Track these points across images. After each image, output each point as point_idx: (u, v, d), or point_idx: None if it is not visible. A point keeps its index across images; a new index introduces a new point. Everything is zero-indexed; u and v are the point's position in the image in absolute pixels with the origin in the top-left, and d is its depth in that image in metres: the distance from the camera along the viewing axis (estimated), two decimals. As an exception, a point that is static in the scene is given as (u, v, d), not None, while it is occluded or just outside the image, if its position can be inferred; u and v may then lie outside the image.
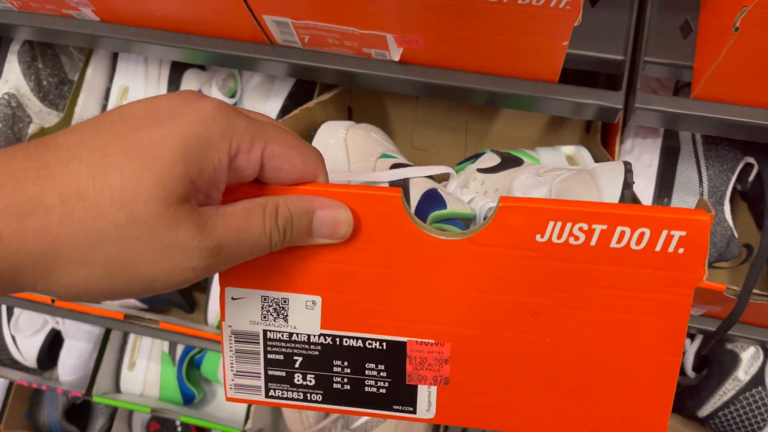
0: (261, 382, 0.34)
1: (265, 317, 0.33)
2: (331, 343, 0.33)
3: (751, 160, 0.55)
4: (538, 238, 0.28)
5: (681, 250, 0.28)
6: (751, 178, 0.56)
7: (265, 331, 0.33)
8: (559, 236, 0.28)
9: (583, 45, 0.48)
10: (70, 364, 0.95)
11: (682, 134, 0.57)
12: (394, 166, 0.46)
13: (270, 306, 0.32)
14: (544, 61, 0.45)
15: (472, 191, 0.48)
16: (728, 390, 0.68)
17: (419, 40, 0.45)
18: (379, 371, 0.33)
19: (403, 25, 0.44)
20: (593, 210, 0.27)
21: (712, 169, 0.55)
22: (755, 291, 0.50)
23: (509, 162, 0.51)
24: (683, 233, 0.27)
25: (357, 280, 0.31)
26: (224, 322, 0.33)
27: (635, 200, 0.43)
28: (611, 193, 0.38)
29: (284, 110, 0.61)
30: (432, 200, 0.43)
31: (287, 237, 0.27)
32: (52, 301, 0.77)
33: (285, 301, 0.32)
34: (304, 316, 0.32)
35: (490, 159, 0.51)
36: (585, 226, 0.28)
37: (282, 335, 0.33)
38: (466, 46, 0.45)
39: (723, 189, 0.54)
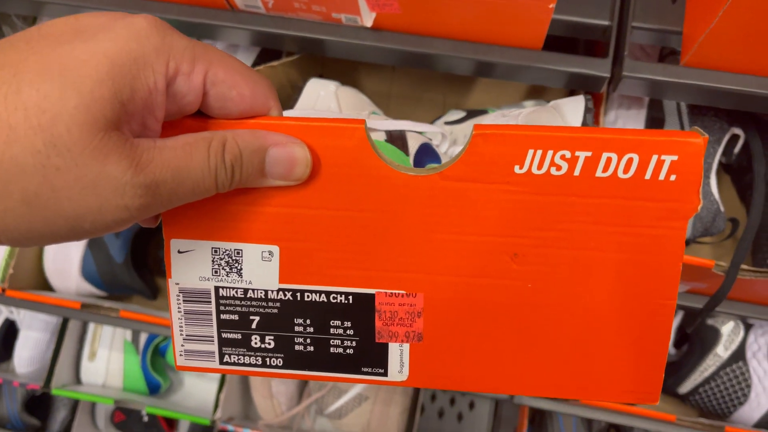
0: (214, 347, 0.30)
1: (216, 272, 0.29)
2: (291, 298, 0.29)
3: (737, 131, 0.53)
4: (516, 169, 0.25)
5: (673, 177, 0.25)
6: (736, 149, 0.54)
7: (217, 288, 0.29)
8: (540, 166, 0.25)
9: (567, 10, 0.45)
10: (26, 356, 0.91)
11: (666, 104, 0.54)
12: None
13: (221, 259, 0.28)
14: (529, 26, 0.42)
15: (459, 147, 0.47)
16: (709, 366, 0.67)
17: (394, 3, 0.42)
18: (345, 329, 0.29)
19: (377, -14, 0.40)
20: (576, 135, 0.24)
21: (698, 141, 0.52)
22: (743, 266, 0.48)
23: (474, 113, 0.51)
24: (675, 158, 0.24)
25: (318, 226, 0.27)
26: (170, 279, 0.29)
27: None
28: (574, 119, 0.39)
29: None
30: (428, 153, 0.42)
31: (236, 177, 0.24)
32: (3, 290, 0.72)
33: (238, 253, 0.28)
34: (261, 270, 0.28)
35: (456, 114, 0.52)
36: (567, 154, 0.25)
37: (236, 292, 0.29)
38: (445, 10, 0.42)
39: (709, 162, 0.52)
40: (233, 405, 0.88)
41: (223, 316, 0.29)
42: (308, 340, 0.29)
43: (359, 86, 0.67)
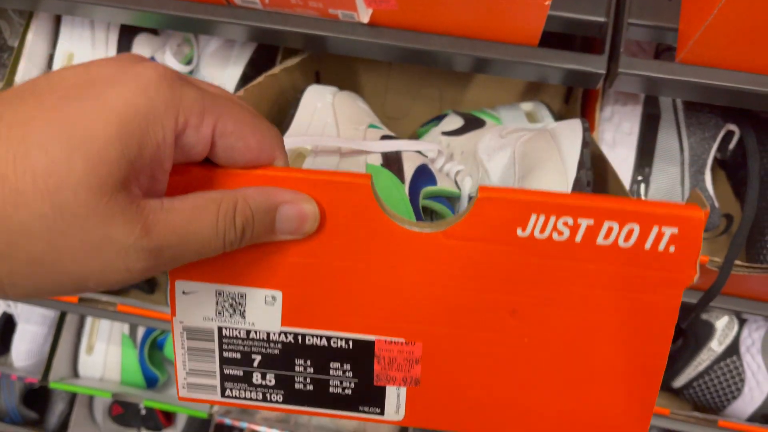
0: (216, 382, 0.31)
1: (220, 313, 0.29)
2: (292, 341, 0.30)
3: (732, 127, 0.53)
4: (519, 232, 0.26)
5: (672, 249, 0.25)
6: (731, 145, 0.55)
7: (220, 328, 0.30)
8: (542, 231, 0.26)
9: (563, 6, 0.45)
10: (24, 349, 0.91)
11: (662, 101, 0.55)
12: (384, 138, 0.43)
13: (225, 301, 0.29)
14: (525, 23, 0.42)
15: (456, 164, 0.46)
16: (703, 360, 0.67)
17: (391, 0, 0.42)
18: (344, 371, 0.30)
19: (374, -18, 0.40)
20: (579, 203, 0.25)
21: (693, 137, 0.53)
22: (737, 262, 0.48)
23: (472, 123, 0.50)
24: (675, 230, 0.25)
25: (321, 274, 0.28)
26: (174, 318, 0.30)
27: (596, 157, 0.43)
28: (571, 154, 0.38)
29: (245, 78, 0.57)
30: (424, 175, 0.42)
31: (246, 237, 0.24)
32: (0, 285, 0.72)
33: (242, 297, 0.29)
34: (264, 313, 0.29)
35: (453, 121, 0.50)
36: (570, 221, 0.25)
37: (239, 332, 0.30)
38: (441, 6, 0.42)
39: (704, 157, 0.53)
40: (231, 398, 0.88)
41: (225, 354, 0.30)
42: (308, 380, 0.30)
43: (356, 82, 0.67)
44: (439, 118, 0.55)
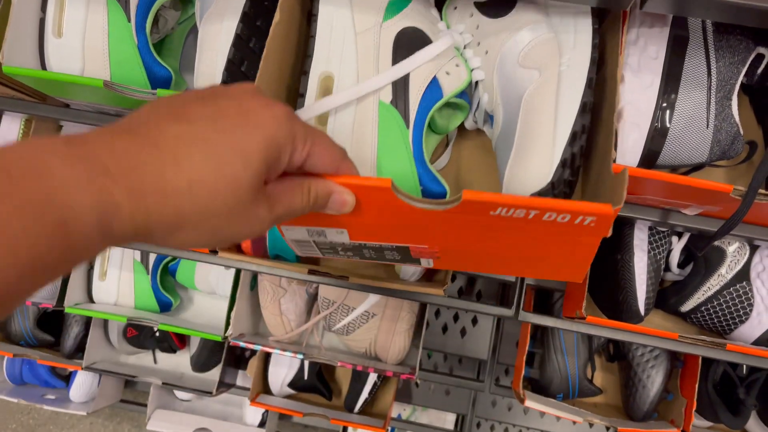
0: (317, 251, 0.50)
1: (310, 234, 0.46)
2: (359, 245, 0.47)
3: (763, 50, 0.51)
4: (491, 212, 0.38)
5: (592, 224, 0.38)
6: (760, 70, 0.53)
7: (313, 240, 0.47)
8: (506, 213, 0.38)
9: None
10: (38, 276, 0.91)
11: (691, 22, 0.52)
12: (401, 34, 0.50)
13: (313, 231, 0.45)
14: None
15: (467, 32, 0.54)
16: (712, 286, 0.68)
17: None
18: (392, 252, 0.48)
19: None
20: (531, 204, 0.36)
21: (722, 60, 0.51)
22: (760, 191, 0.48)
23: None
24: (593, 218, 0.37)
25: (369, 224, 0.42)
26: (285, 236, 0.47)
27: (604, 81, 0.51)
28: (565, 125, 0.47)
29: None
30: (432, 92, 0.50)
31: (313, 207, 0.37)
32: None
33: (322, 231, 0.45)
34: (337, 237, 0.45)
35: None
36: (524, 212, 0.37)
37: (325, 242, 0.47)
38: None
39: (732, 83, 0.51)
40: (243, 322, 0.90)
41: (320, 248, 0.49)
42: (373, 254, 0.49)
43: None
44: None
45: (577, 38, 0.50)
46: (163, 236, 0.30)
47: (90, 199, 0.26)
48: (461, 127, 0.60)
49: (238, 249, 0.77)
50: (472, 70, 0.53)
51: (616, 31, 0.50)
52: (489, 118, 0.55)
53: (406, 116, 0.49)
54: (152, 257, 0.94)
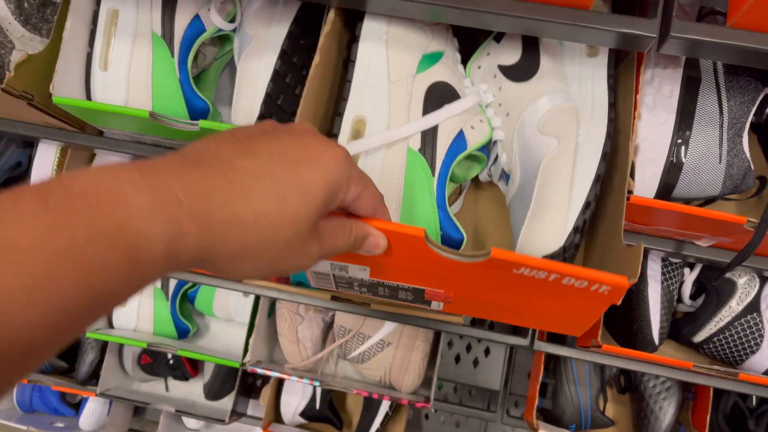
0: (333, 284, 0.53)
1: (333, 268, 0.49)
2: (376, 282, 0.50)
3: (771, 91, 0.54)
4: (514, 270, 0.41)
5: (606, 292, 0.41)
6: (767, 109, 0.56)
7: (333, 274, 0.50)
8: (528, 273, 0.41)
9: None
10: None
11: (703, 63, 0.56)
12: (432, 87, 0.54)
13: (336, 265, 0.48)
14: (583, -14, 0.43)
15: (489, 91, 0.57)
16: (724, 317, 0.70)
17: (451, -39, 0.43)
18: (407, 293, 0.52)
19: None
20: (553, 268, 0.40)
21: (732, 100, 0.54)
22: (771, 223, 0.50)
23: (528, 59, 0.56)
24: (608, 288, 0.41)
25: (393, 265, 0.46)
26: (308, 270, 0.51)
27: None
28: (579, 195, 0.51)
29: (290, 36, 0.57)
30: (457, 143, 0.53)
31: (352, 248, 0.40)
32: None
33: (345, 267, 0.48)
34: (358, 273, 0.49)
35: (511, 49, 0.56)
36: (545, 273, 0.40)
37: (344, 277, 0.50)
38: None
39: (743, 121, 0.54)
40: (260, 349, 0.91)
41: (337, 282, 0.52)
42: (387, 293, 0.52)
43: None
44: (498, 37, 0.58)
45: (594, 111, 0.53)
46: (224, 265, 0.31)
47: (161, 227, 0.27)
48: (475, 178, 0.63)
49: (261, 276, 0.79)
50: (493, 129, 0.56)
51: (631, 75, 0.53)
52: (505, 175, 0.58)
53: (432, 164, 0.52)
54: (172, 283, 0.96)
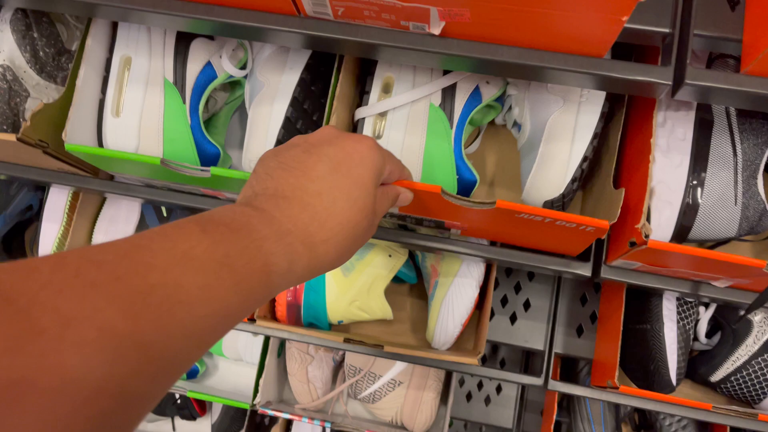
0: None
1: None
2: (404, 215, 0.60)
3: (784, 133, 0.54)
4: (516, 215, 0.51)
5: (592, 231, 0.52)
6: (781, 150, 0.56)
7: None
8: (527, 217, 0.51)
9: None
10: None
11: (715, 106, 0.56)
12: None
13: None
14: (597, 37, 0.43)
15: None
16: (741, 356, 0.69)
17: (465, 13, 0.43)
18: (430, 222, 0.62)
19: (451, -3, 0.42)
20: (549, 214, 0.50)
21: (746, 142, 0.54)
22: (791, 266, 0.50)
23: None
24: (593, 228, 0.51)
25: (418, 207, 0.55)
26: None
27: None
28: (579, 149, 0.57)
29: (302, 83, 0.58)
30: (473, 98, 0.60)
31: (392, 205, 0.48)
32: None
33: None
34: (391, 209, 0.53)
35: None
36: (541, 218, 0.51)
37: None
38: (518, 19, 0.43)
39: (757, 162, 0.54)
40: (270, 390, 0.90)
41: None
42: (413, 222, 0.63)
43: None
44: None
45: None
46: (328, 269, 0.39)
47: (283, 250, 0.35)
48: (491, 121, 0.71)
49: (272, 317, 0.79)
50: (507, 83, 0.63)
51: (648, 117, 0.53)
52: (516, 125, 0.66)
53: (451, 118, 0.59)
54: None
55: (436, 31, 0.46)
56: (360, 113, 0.58)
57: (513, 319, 0.82)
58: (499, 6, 0.41)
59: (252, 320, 0.74)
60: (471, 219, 0.57)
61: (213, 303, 0.30)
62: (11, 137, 0.55)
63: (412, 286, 0.85)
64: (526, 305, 0.83)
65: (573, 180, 0.56)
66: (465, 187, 0.60)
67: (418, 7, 0.43)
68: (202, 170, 0.55)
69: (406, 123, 0.59)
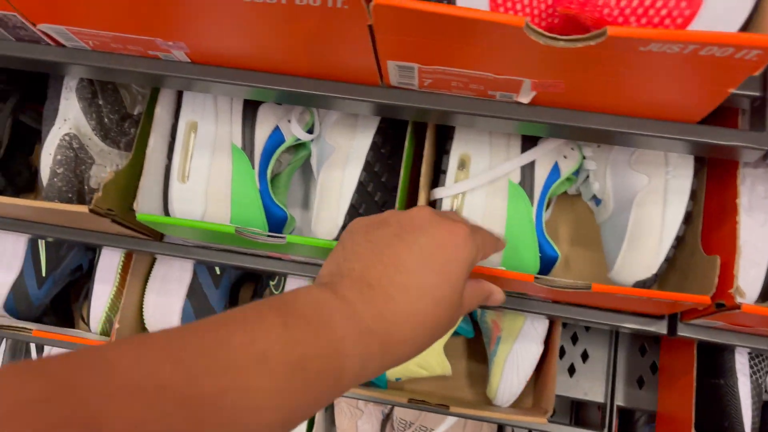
0: None
1: None
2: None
3: None
4: (613, 296, 0.52)
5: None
6: None
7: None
8: (624, 296, 0.51)
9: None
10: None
11: (793, 163, 0.55)
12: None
13: None
14: (697, 105, 0.43)
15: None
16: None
17: (560, 84, 0.43)
18: None
19: (548, 70, 0.41)
20: (649, 294, 0.50)
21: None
22: None
23: None
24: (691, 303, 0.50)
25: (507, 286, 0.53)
26: None
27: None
28: (670, 234, 0.56)
29: (374, 147, 0.57)
30: (553, 174, 0.59)
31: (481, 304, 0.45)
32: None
33: None
34: None
35: None
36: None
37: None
38: (615, 89, 0.42)
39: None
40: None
41: None
42: None
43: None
44: None
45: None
46: (394, 366, 0.37)
47: (360, 352, 0.33)
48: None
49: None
50: (584, 157, 0.61)
51: (732, 177, 0.53)
52: (595, 199, 0.64)
53: (531, 195, 0.58)
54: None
55: (525, 100, 0.45)
56: (437, 194, 0.57)
57: (571, 371, 0.81)
58: (597, 78, 0.41)
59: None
60: (557, 294, 0.55)
61: (282, 409, 0.30)
62: (83, 209, 0.54)
63: (467, 338, 0.83)
64: (584, 356, 0.81)
65: (666, 259, 0.56)
66: (546, 264, 0.59)
67: (512, 79, 0.43)
68: (278, 237, 0.54)
69: (485, 202, 0.58)
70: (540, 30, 0.36)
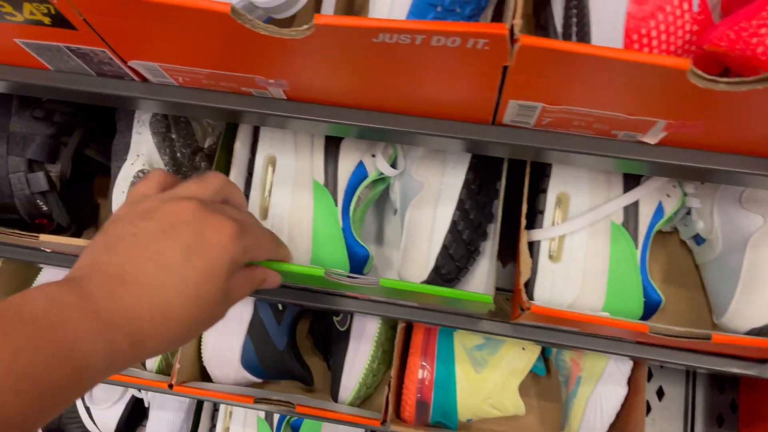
0: None
1: None
2: None
3: None
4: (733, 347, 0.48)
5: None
6: None
7: None
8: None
9: None
10: (163, 438, 0.88)
11: None
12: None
13: None
14: None
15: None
16: None
17: (699, 126, 0.40)
18: None
19: (689, 111, 0.38)
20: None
21: None
22: None
23: None
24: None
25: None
26: None
27: None
28: None
29: (466, 184, 0.54)
30: (657, 214, 0.56)
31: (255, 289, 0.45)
32: (170, 386, 0.70)
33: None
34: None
35: None
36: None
37: None
38: (754, 131, 0.39)
39: None
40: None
41: None
42: None
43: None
44: None
45: None
46: (149, 358, 0.37)
47: (102, 348, 0.33)
48: None
49: (397, 416, 0.74)
50: (685, 194, 0.58)
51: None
52: (698, 237, 0.61)
53: (636, 237, 0.55)
54: (276, 414, 0.91)
55: (653, 141, 0.43)
56: (535, 236, 0.54)
57: (647, 409, 0.77)
58: (744, 119, 0.38)
59: (384, 422, 0.69)
60: (667, 341, 0.53)
61: (7, 425, 0.28)
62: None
63: (537, 375, 0.80)
64: (659, 393, 0.78)
65: None
66: (649, 309, 0.55)
67: (644, 120, 0.40)
68: (372, 281, 0.51)
69: (587, 243, 0.55)
70: (701, 72, 0.34)
